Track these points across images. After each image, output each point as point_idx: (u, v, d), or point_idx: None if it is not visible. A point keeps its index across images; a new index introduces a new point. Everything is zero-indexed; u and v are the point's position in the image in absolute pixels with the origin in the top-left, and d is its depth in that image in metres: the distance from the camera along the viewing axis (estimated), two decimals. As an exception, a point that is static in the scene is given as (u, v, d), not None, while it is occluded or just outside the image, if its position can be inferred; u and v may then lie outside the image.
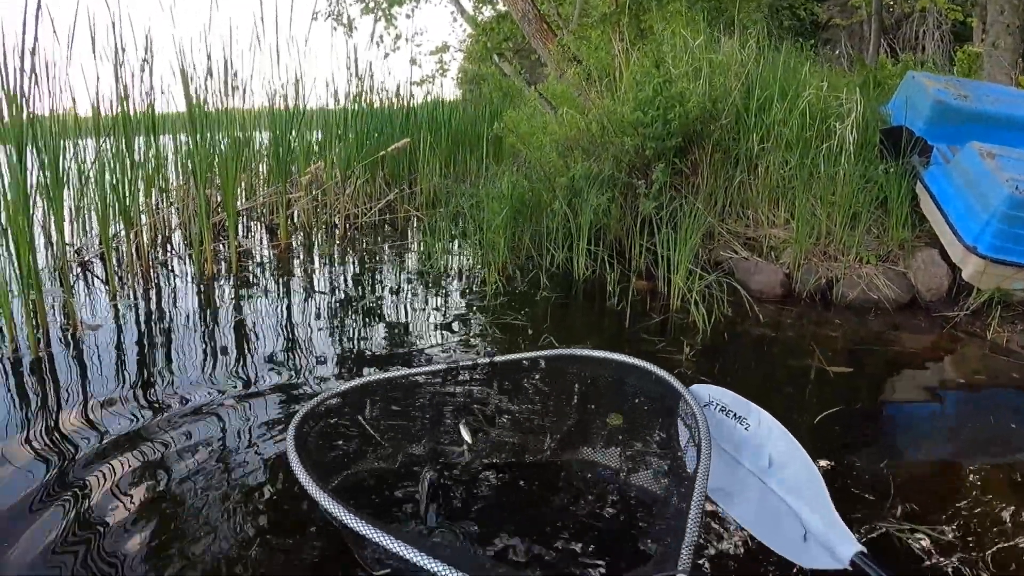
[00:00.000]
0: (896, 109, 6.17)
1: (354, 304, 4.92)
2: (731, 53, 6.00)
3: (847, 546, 1.89)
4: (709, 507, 2.38)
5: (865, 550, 1.85)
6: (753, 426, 2.34)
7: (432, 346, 4.07)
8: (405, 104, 8.92)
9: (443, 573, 1.49)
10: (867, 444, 3.23)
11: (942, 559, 2.30)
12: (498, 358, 2.72)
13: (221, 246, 6.18)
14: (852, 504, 2.58)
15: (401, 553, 1.57)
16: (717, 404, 2.46)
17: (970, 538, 2.42)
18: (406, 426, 2.68)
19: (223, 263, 5.75)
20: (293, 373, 3.61)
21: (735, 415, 2.41)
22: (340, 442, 2.52)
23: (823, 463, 2.86)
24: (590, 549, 2.22)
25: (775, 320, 4.76)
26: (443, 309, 4.85)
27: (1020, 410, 3.73)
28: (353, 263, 6.12)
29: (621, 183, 5.51)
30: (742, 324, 4.60)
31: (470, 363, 2.71)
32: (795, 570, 2.14)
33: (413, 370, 2.69)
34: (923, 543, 2.37)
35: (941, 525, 2.47)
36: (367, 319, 4.60)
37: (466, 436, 2.60)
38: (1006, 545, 2.41)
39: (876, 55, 12.42)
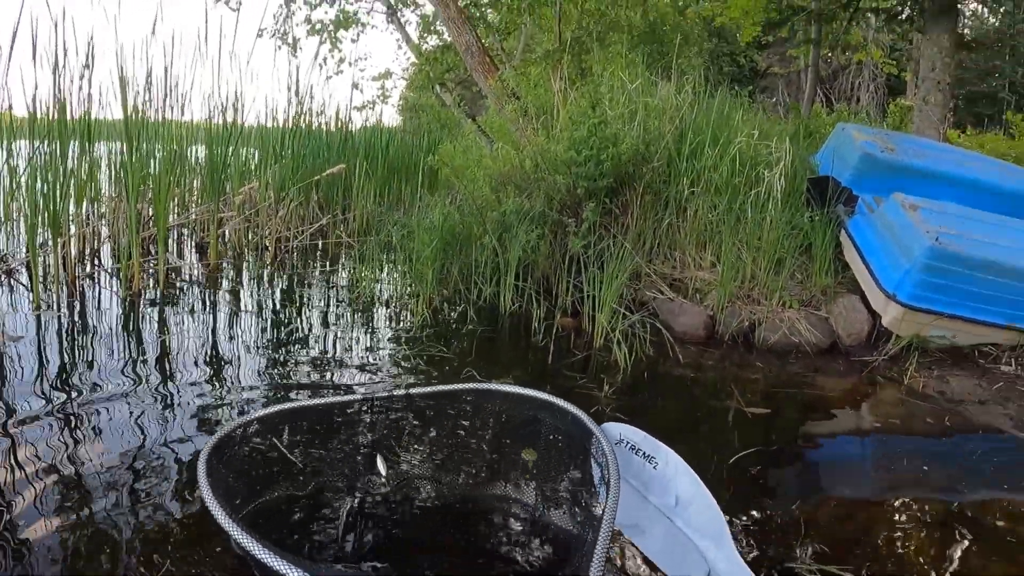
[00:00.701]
0: (825, 159, 6.32)
1: (280, 328, 4.86)
2: (667, 97, 6.09)
3: None
4: (623, 540, 2.42)
5: None
6: (661, 465, 2.37)
7: (356, 374, 4.03)
8: (344, 128, 8.90)
9: None
10: (781, 484, 3.28)
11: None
12: (415, 390, 2.70)
13: (150, 262, 6.07)
14: (763, 543, 2.62)
15: None
16: (628, 443, 2.48)
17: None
18: (323, 455, 2.63)
19: (151, 279, 5.65)
20: (214, 394, 3.55)
21: (644, 454, 2.43)
22: (255, 469, 2.46)
23: (738, 501, 2.89)
24: None
25: (696, 361, 4.80)
26: (369, 338, 4.82)
27: (932, 454, 3.81)
28: (282, 286, 6.06)
29: (552, 220, 5.53)
30: (664, 364, 4.64)
31: (386, 395, 2.69)
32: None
33: (330, 400, 2.67)
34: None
35: (849, 565, 2.50)
36: (292, 344, 4.54)
37: (381, 468, 2.57)
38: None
39: (811, 104, 12.71)
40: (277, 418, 2.48)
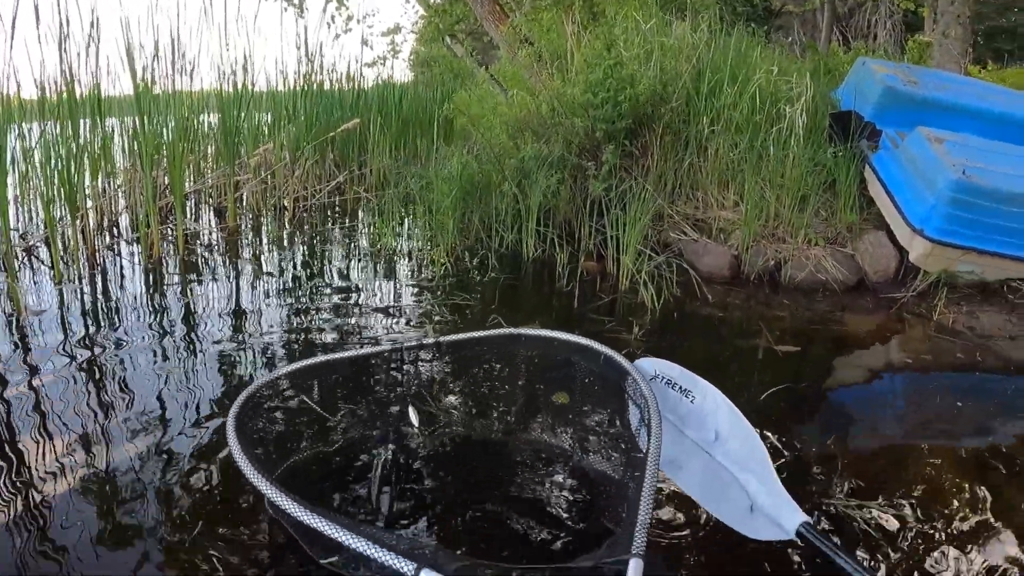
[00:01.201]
0: (846, 94, 6.21)
1: (303, 286, 4.84)
2: (683, 37, 5.98)
3: (793, 517, 1.87)
4: (659, 478, 2.36)
5: (811, 520, 1.84)
6: (699, 399, 2.33)
7: (381, 327, 4.01)
8: (356, 85, 8.82)
9: (391, 562, 1.44)
10: (813, 421, 3.25)
11: (886, 534, 2.30)
12: (444, 338, 2.66)
13: (168, 229, 6.05)
14: (798, 480, 2.58)
15: (347, 542, 1.52)
16: (663, 377, 2.44)
17: (913, 514, 2.43)
18: (354, 409, 2.61)
19: (170, 246, 5.63)
20: (240, 356, 3.53)
21: (681, 388, 2.39)
22: (286, 426, 2.44)
23: (770, 438, 2.86)
24: (544, 533, 2.18)
25: (723, 301, 4.76)
26: (392, 290, 4.79)
27: (964, 390, 3.75)
28: (302, 245, 6.03)
29: (571, 165, 5.48)
30: (690, 304, 4.60)
31: (416, 344, 2.66)
32: (741, 541, 2.12)
33: (359, 352, 2.62)
34: (867, 519, 2.37)
35: (885, 502, 2.47)
36: (316, 300, 4.52)
37: (413, 419, 2.56)
38: (948, 521, 2.42)
39: (828, 43, 12.52)
40: (305, 373, 2.46)
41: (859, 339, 4.32)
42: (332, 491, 2.36)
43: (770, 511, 1.95)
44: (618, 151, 5.30)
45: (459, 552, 2.05)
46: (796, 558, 2.15)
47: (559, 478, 2.48)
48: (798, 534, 1.84)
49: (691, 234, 5.44)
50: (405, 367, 2.67)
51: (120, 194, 6.61)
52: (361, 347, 3.43)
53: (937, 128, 5.23)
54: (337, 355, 2.57)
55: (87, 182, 5.81)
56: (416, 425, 2.56)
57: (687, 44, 5.90)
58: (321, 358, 2.52)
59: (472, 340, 2.70)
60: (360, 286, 4.84)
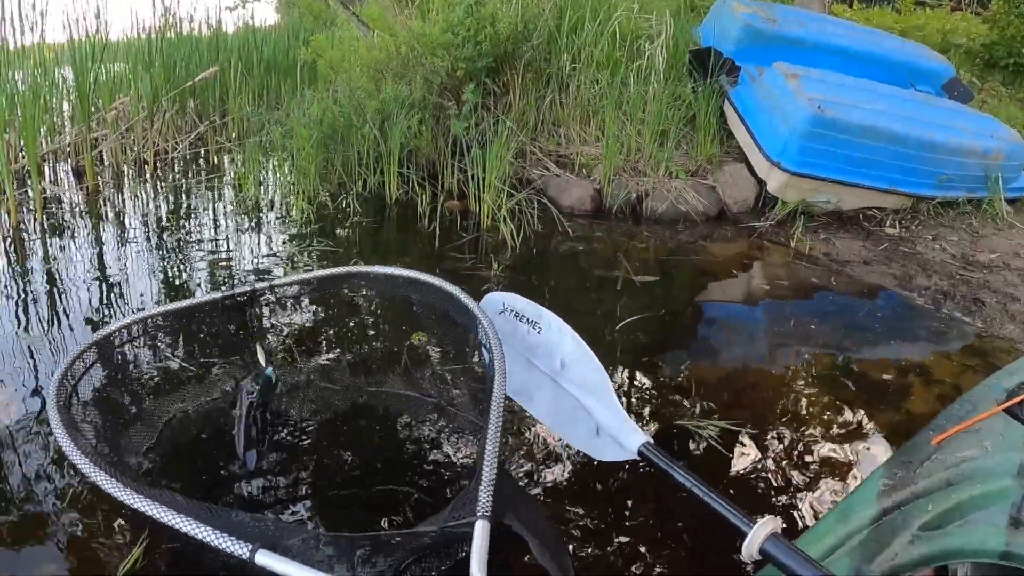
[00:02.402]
0: (707, 31, 6.29)
1: (166, 242, 4.64)
2: (545, -26, 5.93)
3: (634, 437, 1.90)
4: (514, 406, 2.38)
5: (651, 440, 1.87)
6: (545, 329, 2.33)
7: (246, 277, 3.89)
8: (215, 32, 8.50)
9: (224, 545, 1.34)
10: (670, 347, 3.29)
11: (732, 446, 2.39)
12: (260, 284, 2.46)
13: (27, 192, 5.74)
14: (653, 403, 2.65)
15: (174, 524, 1.39)
16: (511, 310, 2.43)
17: (762, 427, 2.52)
18: (198, 365, 2.46)
19: (28, 212, 5.35)
20: (108, 319, 3.34)
21: (528, 319, 2.39)
22: (121, 392, 2.23)
23: (624, 366, 2.90)
24: (404, 494, 2.12)
25: (586, 234, 4.79)
26: (257, 239, 4.65)
27: (818, 313, 3.89)
28: (166, 200, 5.80)
29: (432, 104, 5.41)
30: (553, 239, 4.62)
31: (247, 289, 2.44)
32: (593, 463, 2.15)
33: (185, 303, 2.37)
34: (714, 434, 2.44)
35: (738, 419, 2.54)
36: (181, 255, 4.34)
37: (261, 359, 2.36)
38: (796, 432, 2.52)
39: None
40: (127, 333, 2.21)
41: (719, 267, 4.41)
42: (187, 461, 2.21)
43: (613, 433, 1.98)
44: (479, 90, 5.25)
45: (308, 522, 1.98)
46: (641, 474, 2.20)
47: (426, 426, 2.42)
48: (639, 453, 1.86)
49: (554, 170, 5.45)
50: (244, 316, 2.47)
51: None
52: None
53: (796, 64, 5.34)
54: (161, 308, 2.35)
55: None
56: (264, 364, 2.34)
57: (549, -18, 5.85)
58: (143, 314, 2.28)
59: (308, 280, 2.52)
60: (224, 238, 4.68)
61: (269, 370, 2.29)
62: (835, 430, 2.56)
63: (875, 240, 4.92)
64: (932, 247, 4.83)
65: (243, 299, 2.43)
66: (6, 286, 3.87)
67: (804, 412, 2.68)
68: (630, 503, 2.12)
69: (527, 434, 2.41)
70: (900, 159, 5.02)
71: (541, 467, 2.25)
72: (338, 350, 2.65)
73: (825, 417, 2.65)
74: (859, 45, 6.11)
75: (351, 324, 2.68)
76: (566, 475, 2.23)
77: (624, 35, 5.65)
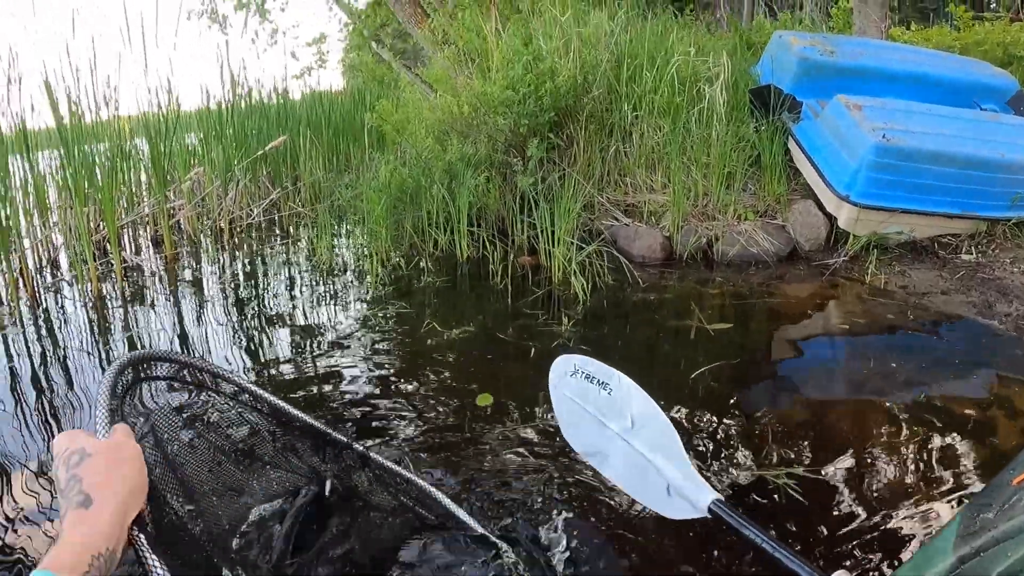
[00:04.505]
0: (765, 68, 6.29)
1: (244, 307, 4.79)
2: (600, 25, 6.00)
3: (704, 495, 1.91)
4: (588, 469, 2.40)
5: (721, 498, 1.87)
6: (615, 389, 2.35)
7: (322, 344, 3.97)
8: (283, 99, 8.74)
9: None
10: (745, 395, 3.26)
11: (808, 494, 2.35)
12: (374, 456, 2.19)
13: (109, 263, 5.96)
14: (730, 453, 2.62)
15: None
16: (581, 372, 2.46)
17: (839, 473, 2.48)
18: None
19: (110, 280, 5.55)
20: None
21: (599, 381, 2.40)
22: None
23: (700, 417, 2.89)
24: None
25: (656, 283, 4.80)
26: (331, 304, 4.75)
27: (898, 349, 3.82)
28: (242, 266, 5.97)
29: (497, 162, 5.50)
30: (623, 291, 4.63)
31: (337, 438, 2.12)
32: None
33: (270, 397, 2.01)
34: (790, 482, 2.42)
35: (818, 466, 2.52)
36: (257, 321, 4.47)
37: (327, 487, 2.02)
38: (874, 476, 2.47)
39: (751, 16, 12.60)
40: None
41: (793, 308, 4.37)
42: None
43: (683, 492, 1.99)
44: (543, 144, 5.32)
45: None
46: (711, 533, 2.19)
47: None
48: (710, 511, 1.88)
49: (622, 220, 5.48)
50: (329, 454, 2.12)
51: (55, 231, 6.51)
52: (300, 374, 3.40)
53: (857, 95, 5.32)
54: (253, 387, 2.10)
55: (21, 222, 5.72)
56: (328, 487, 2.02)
57: (604, 32, 5.93)
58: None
59: (399, 478, 2.25)
60: (299, 303, 4.80)
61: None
62: (915, 473, 2.51)
63: (951, 268, 4.84)
64: (1011, 271, 4.73)
65: (347, 451, 2.16)
66: (89, 353, 4.04)
67: (883, 455, 2.62)
68: (703, 557, 2.14)
69: (598, 495, 2.41)
70: (970, 182, 4.92)
71: (613, 527, 2.26)
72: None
73: (905, 459, 2.60)
74: (919, 68, 6.04)
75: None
76: (637, 533, 2.24)
77: (683, 79, 5.68)
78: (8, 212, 5.13)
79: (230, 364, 3.77)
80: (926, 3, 16.63)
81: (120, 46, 7.34)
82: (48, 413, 3.24)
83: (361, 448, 2.18)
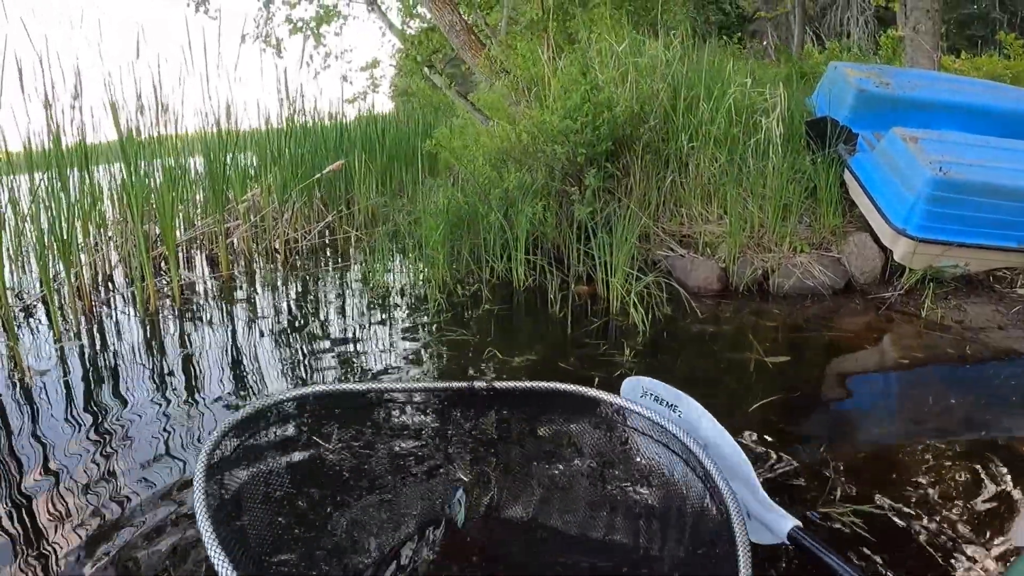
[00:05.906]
0: (821, 99, 6.32)
1: (299, 330, 4.88)
2: (656, 55, 6.06)
3: (784, 521, 1.95)
4: None
5: (800, 524, 1.91)
6: (684, 412, 2.39)
7: (378, 367, 4.06)
8: (338, 122, 8.88)
9: None
10: (806, 430, 3.29)
11: (882, 534, 2.35)
12: (497, 384, 2.31)
13: (164, 280, 6.10)
14: (791, 490, 2.63)
15: None
16: (651, 394, 2.50)
17: (909, 514, 2.48)
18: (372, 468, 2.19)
19: (166, 297, 5.68)
20: (242, 405, 3.54)
21: (668, 403, 2.45)
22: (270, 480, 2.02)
23: (762, 449, 2.91)
24: None
25: (713, 315, 4.82)
26: (388, 329, 4.82)
27: (956, 384, 3.82)
28: (296, 288, 6.07)
29: (555, 190, 5.55)
30: (681, 321, 4.66)
31: (462, 387, 2.26)
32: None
33: (378, 385, 2.22)
34: (862, 521, 2.43)
35: (881, 504, 2.53)
36: (313, 344, 4.55)
37: (458, 514, 2.13)
38: (938, 514, 2.47)
39: (801, 45, 12.62)
40: (293, 405, 2.06)
41: (849, 342, 4.37)
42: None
43: (762, 517, 2.02)
44: (600, 174, 5.37)
45: None
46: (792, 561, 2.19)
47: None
48: (790, 537, 1.91)
49: (678, 250, 5.51)
50: (441, 417, 2.24)
51: (113, 247, 6.66)
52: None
53: (913, 127, 5.32)
54: (352, 386, 2.17)
55: (79, 237, 5.86)
56: (457, 521, 2.11)
57: (661, 62, 5.98)
58: (311, 389, 2.12)
59: (517, 389, 2.33)
60: (355, 327, 4.88)
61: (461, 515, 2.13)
62: (980, 509, 2.51)
63: (1008, 302, 4.81)
64: (1069, 305, 4.71)
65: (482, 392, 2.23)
66: (146, 371, 4.14)
67: (946, 492, 2.62)
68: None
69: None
70: (1027, 215, 4.92)
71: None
72: (526, 481, 2.39)
73: (969, 496, 2.60)
74: (976, 100, 6.03)
75: (543, 450, 2.45)
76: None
77: (739, 110, 5.71)
78: (67, 226, 5.23)
79: (279, 383, 3.86)
80: (975, 31, 16.53)
81: (181, 61, 7.51)
82: (101, 428, 3.31)
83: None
